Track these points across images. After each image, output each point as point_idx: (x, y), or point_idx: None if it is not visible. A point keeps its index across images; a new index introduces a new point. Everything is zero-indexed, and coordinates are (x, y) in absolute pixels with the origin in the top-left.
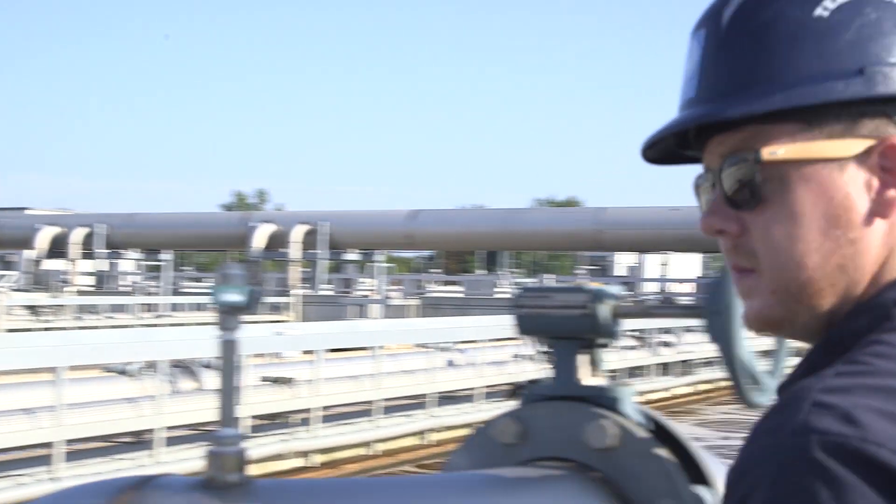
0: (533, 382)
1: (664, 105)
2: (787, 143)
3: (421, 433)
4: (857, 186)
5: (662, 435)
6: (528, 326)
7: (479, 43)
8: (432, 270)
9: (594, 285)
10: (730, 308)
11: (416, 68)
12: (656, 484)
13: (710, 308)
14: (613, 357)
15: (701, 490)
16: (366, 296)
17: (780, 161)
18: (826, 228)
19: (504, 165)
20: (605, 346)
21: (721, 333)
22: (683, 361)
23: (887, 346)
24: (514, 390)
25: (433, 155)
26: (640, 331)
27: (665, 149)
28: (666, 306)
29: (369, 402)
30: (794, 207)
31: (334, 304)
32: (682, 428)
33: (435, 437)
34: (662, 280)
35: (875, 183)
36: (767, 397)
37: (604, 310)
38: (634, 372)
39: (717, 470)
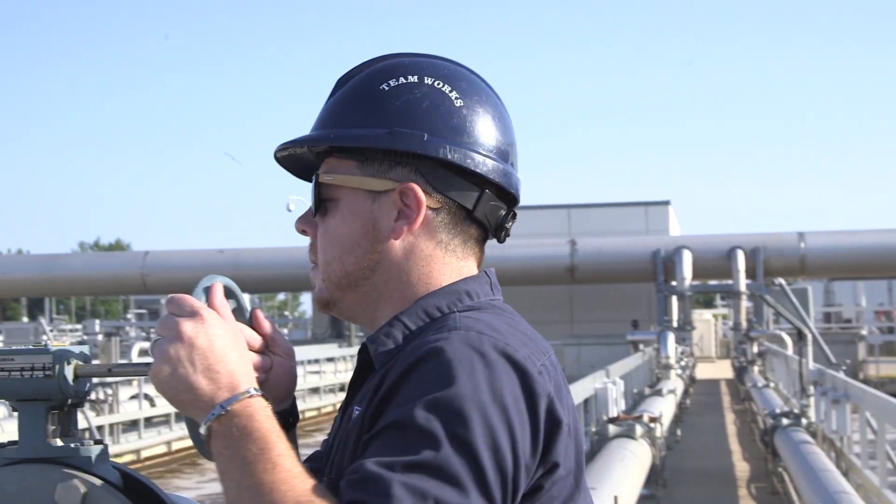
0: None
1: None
2: (341, 174)
3: None
4: (382, 213)
5: (137, 490)
6: None
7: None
8: None
9: (57, 345)
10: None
11: None
12: None
13: None
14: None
15: None
16: None
17: (335, 185)
18: (359, 239)
19: (48, 209)
20: (76, 405)
21: None
22: None
23: (476, 312)
24: None
25: None
26: None
27: (308, 164)
28: (128, 365)
29: None
30: (339, 221)
31: None
32: (157, 483)
33: None
34: None
35: (394, 214)
36: None
37: (68, 370)
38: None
39: None
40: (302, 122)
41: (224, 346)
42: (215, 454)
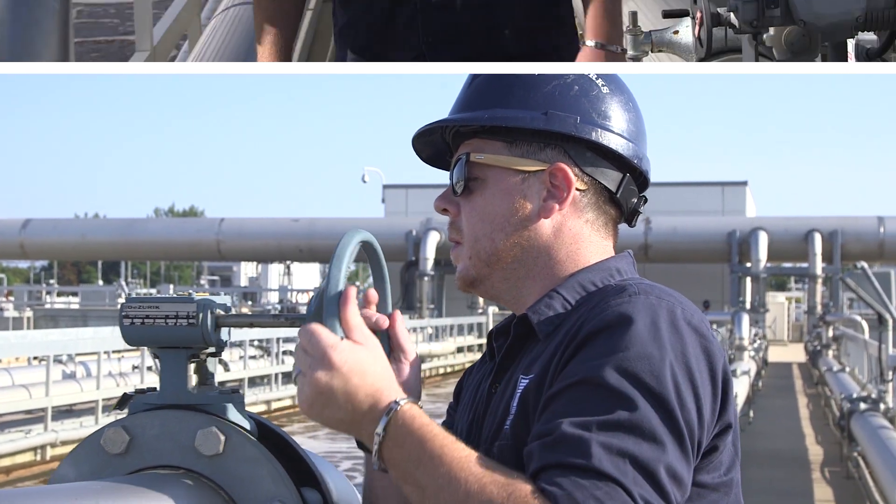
0: (140, 392)
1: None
2: (490, 154)
3: (38, 448)
4: (531, 193)
5: (272, 440)
6: (136, 336)
7: None
8: (49, 282)
9: (201, 295)
10: (328, 317)
11: None
12: (263, 487)
13: (311, 318)
14: (237, 367)
15: (308, 491)
16: None
17: (483, 164)
18: (509, 216)
19: (123, 175)
20: (214, 355)
21: None
22: None
23: (634, 285)
24: (123, 400)
25: (46, 163)
26: (265, 341)
27: (437, 150)
28: (270, 316)
29: None
30: (488, 199)
31: None
32: (289, 434)
33: (55, 452)
34: (284, 289)
35: (543, 193)
36: None
37: (209, 319)
38: (257, 381)
39: (326, 471)
40: (376, 98)
41: (363, 371)
42: (391, 464)
